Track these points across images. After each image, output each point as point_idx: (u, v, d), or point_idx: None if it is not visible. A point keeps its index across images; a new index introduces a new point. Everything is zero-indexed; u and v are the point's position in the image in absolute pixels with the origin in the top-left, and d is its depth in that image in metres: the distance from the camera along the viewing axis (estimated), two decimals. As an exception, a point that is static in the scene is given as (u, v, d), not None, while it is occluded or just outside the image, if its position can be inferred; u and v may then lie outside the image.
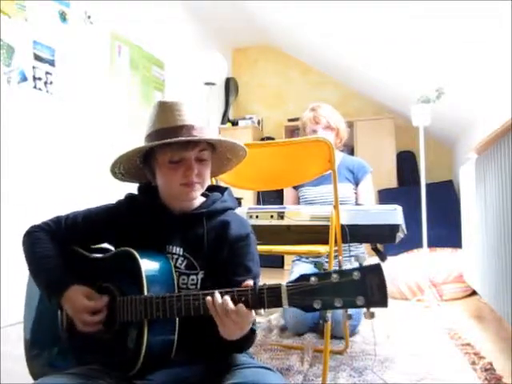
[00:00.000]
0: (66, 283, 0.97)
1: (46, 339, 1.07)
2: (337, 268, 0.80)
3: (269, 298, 0.80)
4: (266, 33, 5.05)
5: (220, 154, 1.08)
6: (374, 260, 2.40)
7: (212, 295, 0.83)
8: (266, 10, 4.25)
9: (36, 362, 1.10)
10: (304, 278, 0.79)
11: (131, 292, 0.92)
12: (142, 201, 1.06)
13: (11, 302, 2.31)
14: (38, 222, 1.09)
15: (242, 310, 0.81)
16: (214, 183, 1.17)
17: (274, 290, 0.80)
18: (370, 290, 0.75)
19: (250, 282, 0.83)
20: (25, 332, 1.14)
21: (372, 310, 0.76)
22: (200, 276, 1.00)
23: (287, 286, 0.79)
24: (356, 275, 0.76)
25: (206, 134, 0.99)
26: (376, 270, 0.76)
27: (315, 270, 2.07)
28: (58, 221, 1.08)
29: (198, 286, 0.99)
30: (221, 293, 0.83)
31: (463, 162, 3.05)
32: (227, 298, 0.82)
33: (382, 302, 0.75)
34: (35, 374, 1.09)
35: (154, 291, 0.91)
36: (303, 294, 0.78)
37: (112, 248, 1.09)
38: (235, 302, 0.81)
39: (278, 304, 0.79)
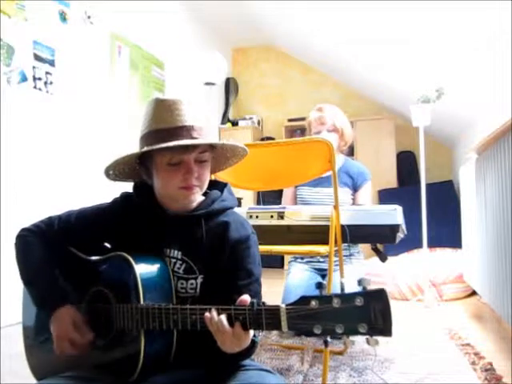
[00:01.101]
0: (55, 303, 0.95)
1: (45, 341, 1.06)
2: (337, 275, 0.77)
3: (267, 320, 0.77)
4: (265, 33, 5.05)
5: (220, 153, 1.04)
6: (373, 260, 2.40)
7: (209, 311, 0.81)
8: (266, 10, 4.25)
9: (36, 363, 1.09)
10: (304, 300, 0.75)
11: (127, 298, 0.89)
12: (138, 201, 1.02)
13: (11, 302, 2.30)
14: (28, 224, 1.06)
15: (239, 331, 0.79)
16: (211, 179, 1.12)
17: (273, 312, 0.76)
18: (373, 317, 0.71)
19: (248, 299, 0.80)
20: (24, 333, 1.13)
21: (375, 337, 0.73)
22: (199, 280, 0.96)
23: (287, 309, 0.75)
24: (359, 301, 0.72)
25: (206, 134, 0.95)
26: (380, 295, 0.72)
27: (311, 283, 2.05)
28: (50, 222, 1.04)
29: (198, 291, 0.96)
30: (218, 310, 0.80)
31: (463, 162, 3.05)
32: (223, 317, 0.79)
33: (387, 330, 0.71)
34: (36, 374, 1.08)
35: (151, 297, 0.89)
36: (303, 318, 0.74)
37: (108, 246, 1.06)
38: (232, 321, 0.79)
39: (277, 327, 0.76)
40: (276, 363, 1.72)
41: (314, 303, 0.74)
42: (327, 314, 0.73)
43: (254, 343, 0.86)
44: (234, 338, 0.79)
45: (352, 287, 0.77)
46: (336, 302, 0.73)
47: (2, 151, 2.44)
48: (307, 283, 2.07)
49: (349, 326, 0.72)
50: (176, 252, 0.98)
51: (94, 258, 1.03)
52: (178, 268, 0.97)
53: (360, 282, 0.74)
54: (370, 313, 0.71)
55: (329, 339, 0.77)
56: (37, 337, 1.10)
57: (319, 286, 0.78)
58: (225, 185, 1.07)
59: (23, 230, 1.04)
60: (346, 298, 0.73)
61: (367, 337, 0.73)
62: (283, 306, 0.76)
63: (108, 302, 0.94)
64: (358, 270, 2.08)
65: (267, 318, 0.77)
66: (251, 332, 0.81)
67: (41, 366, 1.08)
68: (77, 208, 1.08)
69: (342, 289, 0.76)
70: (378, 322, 0.71)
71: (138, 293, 0.88)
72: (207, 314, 0.80)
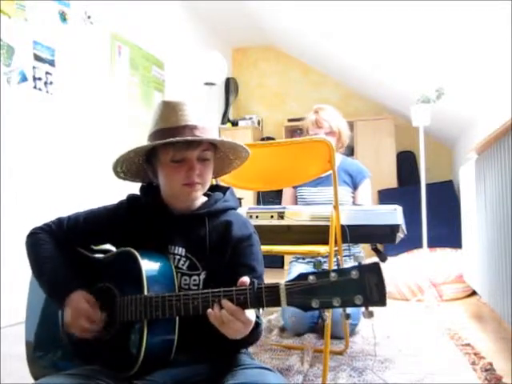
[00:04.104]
0: (68, 287, 0.97)
1: (48, 340, 1.07)
2: (336, 267, 0.79)
3: (267, 297, 0.80)
4: (266, 33, 5.05)
5: (222, 154, 1.08)
6: (373, 260, 2.41)
7: (212, 307, 0.83)
8: (267, 9, 4.25)
9: (37, 363, 1.10)
10: (302, 276, 0.78)
11: (132, 292, 0.92)
12: (143, 201, 1.06)
13: (11, 302, 2.31)
14: (39, 223, 1.09)
15: (240, 313, 0.81)
16: (214, 183, 1.16)
17: (273, 289, 0.80)
18: (368, 288, 0.74)
19: (248, 280, 0.83)
20: (26, 333, 1.14)
21: (371, 309, 0.76)
22: (202, 277, 0.99)
23: (286, 285, 0.79)
24: (354, 274, 0.75)
25: (208, 134, 0.99)
26: (374, 268, 0.75)
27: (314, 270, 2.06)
28: (59, 222, 1.08)
29: (200, 287, 0.99)
30: (219, 296, 0.83)
31: (463, 162, 3.05)
32: (224, 312, 0.81)
33: (381, 300, 0.74)
34: (36, 374, 1.09)
35: (155, 292, 0.91)
36: (301, 293, 0.77)
37: (114, 249, 1.09)
38: (233, 303, 0.82)
39: (277, 303, 0.79)
40: (276, 363, 1.72)
41: (311, 278, 0.77)
42: (324, 287, 0.77)
43: (258, 325, 0.89)
44: (237, 322, 0.81)
45: None
46: (333, 276, 0.76)
47: (1, 151, 2.44)
48: None
49: (345, 299, 0.75)
50: (180, 249, 1.01)
51: (100, 255, 1.07)
52: (182, 264, 1.00)
53: (356, 258, 0.77)
54: (365, 285, 0.75)
55: (327, 314, 0.80)
56: (38, 338, 1.10)
57: (315, 265, 0.82)
58: (227, 188, 1.12)
59: (34, 228, 1.08)
60: (342, 272, 0.77)
61: (363, 309, 0.76)
62: (282, 282, 0.80)
63: (113, 297, 0.96)
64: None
65: (267, 295, 0.80)
66: (253, 315, 0.84)
67: (40, 366, 1.09)
68: (80, 208, 1.11)
69: (339, 265, 0.79)
70: (372, 293, 0.74)
71: (143, 287, 0.90)
72: (210, 311, 0.83)
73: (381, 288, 0.74)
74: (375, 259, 2.01)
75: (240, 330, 0.83)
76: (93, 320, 0.94)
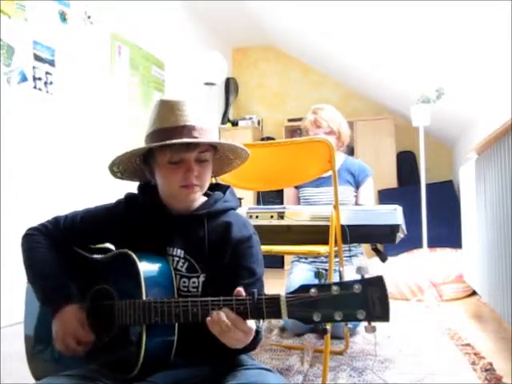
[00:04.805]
0: (61, 301, 0.96)
1: (47, 334, 1.07)
2: (338, 275, 0.78)
3: (268, 308, 0.79)
4: (266, 33, 5.05)
5: (222, 154, 1.06)
6: (373, 260, 2.41)
7: (211, 316, 0.82)
8: (267, 9, 4.25)
9: (37, 363, 1.10)
10: (304, 289, 0.77)
11: (130, 295, 0.91)
12: (141, 201, 1.04)
13: (11, 302, 2.31)
14: (36, 223, 1.07)
15: (240, 323, 0.80)
16: (214, 182, 1.14)
17: (273, 301, 0.78)
18: (371, 303, 0.73)
19: (242, 290, 0.82)
20: (25, 327, 1.13)
21: (373, 323, 0.74)
22: (201, 279, 0.98)
23: (286, 297, 0.77)
24: (357, 288, 0.74)
25: (207, 134, 0.97)
26: (378, 282, 0.74)
27: (315, 280, 2.05)
28: (56, 222, 1.06)
29: (199, 289, 0.97)
30: (219, 304, 0.82)
31: (463, 162, 3.05)
32: (223, 316, 0.80)
33: (384, 316, 0.73)
34: (36, 370, 1.09)
35: (153, 294, 0.90)
36: (302, 305, 0.76)
37: (113, 247, 1.08)
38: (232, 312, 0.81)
39: (277, 315, 0.78)
40: (276, 363, 1.72)
41: (313, 291, 0.76)
42: (326, 301, 0.75)
43: (258, 333, 0.88)
44: (238, 332, 0.80)
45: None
46: (335, 290, 0.75)
47: (1, 151, 2.44)
48: (309, 283, 2.07)
49: (347, 313, 0.74)
50: (179, 251, 1.00)
51: (98, 256, 1.05)
52: (181, 266, 0.99)
53: (358, 270, 0.76)
54: (368, 299, 0.73)
55: (327, 327, 0.78)
56: (37, 338, 1.10)
57: (318, 274, 0.80)
58: (227, 187, 1.10)
59: (30, 229, 1.06)
60: (344, 285, 0.75)
61: (365, 324, 0.75)
62: (283, 294, 0.78)
63: (111, 299, 0.95)
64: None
65: (267, 306, 0.79)
66: (253, 324, 0.83)
67: (41, 367, 1.09)
68: (80, 208, 1.09)
69: (341, 277, 0.77)
70: (375, 308, 0.73)
71: (141, 290, 0.89)
72: (209, 319, 0.81)
73: (384, 302, 0.73)
74: (375, 259, 2.02)
75: (241, 340, 0.82)
76: (80, 341, 0.93)
